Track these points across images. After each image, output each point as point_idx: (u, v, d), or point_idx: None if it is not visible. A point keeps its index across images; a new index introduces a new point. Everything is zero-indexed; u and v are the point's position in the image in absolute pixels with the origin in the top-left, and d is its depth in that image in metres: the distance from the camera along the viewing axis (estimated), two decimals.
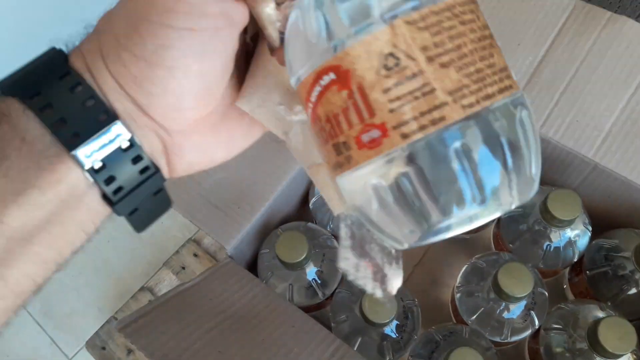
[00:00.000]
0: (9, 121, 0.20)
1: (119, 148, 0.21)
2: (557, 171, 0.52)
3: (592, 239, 0.51)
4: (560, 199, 0.46)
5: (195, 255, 0.72)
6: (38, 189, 0.20)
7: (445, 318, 0.53)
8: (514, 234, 0.51)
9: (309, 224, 0.53)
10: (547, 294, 0.48)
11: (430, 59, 0.18)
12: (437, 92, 0.18)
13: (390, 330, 0.47)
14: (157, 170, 0.23)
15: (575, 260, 0.50)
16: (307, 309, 0.51)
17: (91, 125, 0.20)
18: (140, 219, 0.24)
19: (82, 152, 0.20)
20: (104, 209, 0.22)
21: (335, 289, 0.50)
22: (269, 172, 0.48)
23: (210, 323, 0.38)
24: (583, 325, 0.45)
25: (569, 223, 0.46)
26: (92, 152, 0.20)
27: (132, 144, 0.21)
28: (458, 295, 0.49)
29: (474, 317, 0.48)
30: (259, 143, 0.50)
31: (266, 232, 0.51)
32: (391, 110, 0.18)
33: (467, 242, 0.59)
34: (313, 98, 0.20)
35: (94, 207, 0.22)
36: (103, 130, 0.20)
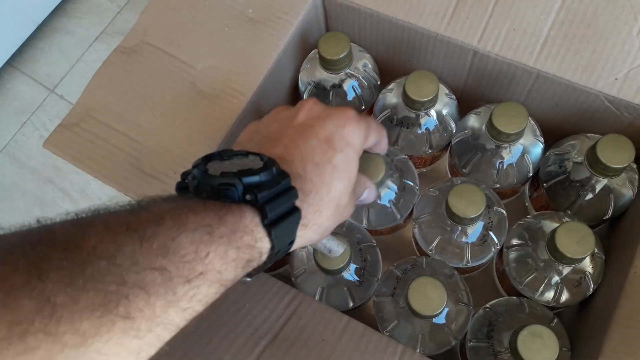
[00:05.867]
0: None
1: None
2: (501, 87, 0.50)
3: (546, 151, 0.49)
4: (505, 112, 0.44)
5: None
6: None
7: (411, 255, 0.52)
8: (465, 157, 0.49)
9: None
10: (505, 212, 0.47)
11: None
12: None
13: (350, 275, 0.45)
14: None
15: (531, 174, 0.49)
16: (266, 270, 0.50)
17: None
18: None
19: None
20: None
21: None
22: (203, 130, 0.46)
23: None
24: (543, 237, 0.44)
25: (517, 136, 0.45)
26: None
27: None
28: (416, 227, 0.48)
29: (433, 246, 0.46)
30: (183, 101, 0.47)
31: None
32: None
33: (423, 176, 0.57)
34: None
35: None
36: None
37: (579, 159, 0.46)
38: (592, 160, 0.43)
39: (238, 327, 0.35)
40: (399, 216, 0.48)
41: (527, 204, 0.54)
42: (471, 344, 0.44)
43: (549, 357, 0.38)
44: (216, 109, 0.46)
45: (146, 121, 0.46)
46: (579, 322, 0.47)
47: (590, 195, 0.46)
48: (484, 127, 0.47)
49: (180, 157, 0.45)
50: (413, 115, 0.49)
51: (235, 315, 0.36)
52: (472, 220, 0.43)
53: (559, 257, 0.41)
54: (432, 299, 0.40)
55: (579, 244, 0.40)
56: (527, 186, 0.54)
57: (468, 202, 0.42)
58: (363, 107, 0.53)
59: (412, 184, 0.49)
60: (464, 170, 0.50)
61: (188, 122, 0.46)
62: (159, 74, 0.48)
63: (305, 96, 0.53)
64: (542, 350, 0.38)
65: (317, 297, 0.45)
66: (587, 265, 0.44)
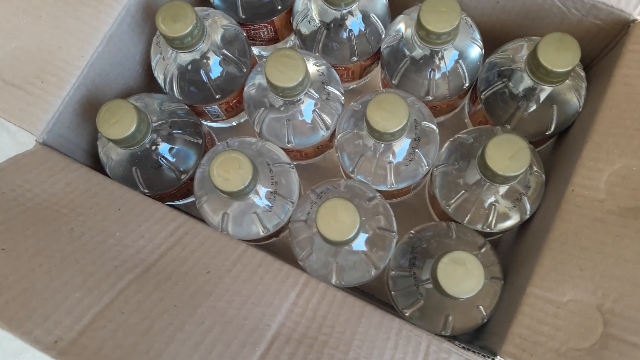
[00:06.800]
0: None
1: None
2: None
3: (486, 59, 0.43)
4: (434, 8, 0.38)
5: None
6: None
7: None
8: (394, 67, 0.43)
9: (155, 94, 0.44)
10: (436, 128, 0.41)
11: None
12: None
13: (260, 199, 0.40)
14: None
15: (467, 85, 0.43)
16: (168, 198, 0.44)
17: None
18: None
19: None
20: None
21: (196, 165, 0.43)
22: (74, 30, 0.38)
23: None
24: (475, 155, 0.39)
25: (449, 36, 0.38)
26: None
27: None
28: (338, 147, 0.42)
29: (355, 167, 0.41)
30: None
31: (95, 109, 0.41)
32: None
33: (355, 92, 0.51)
34: None
35: None
36: None
37: (520, 65, 0.40)
38: (533, 64, 0.37)
39: (100, 259, 0.29)
40: (323, 130, 0.42)
41: (466, 120, 0.49)
42: (393, 272, 0.39)
43: (472, 286, 0.34)
44: (91, 3, 0.38)
45: (4, 19, 0.38)
46: (516, 249, 0.43)
47: (532, 107, 0.40)
48: (412, 29, 0.40)
49: (49, 63, 0.38)
50: (337, 15, 0.42)
51: (98, 246, 0.30)
52: (394, 136, 0.37)
53: (489, 175, 0.36)
54: (343, 223, 0.35)
55: (511, 160, 0.35)
56: (466, 100, 0.48)
57: (389, 114, 0.36)
58: (280, 7, 0.46)
59: (337, 92, 0.42)
60: (393, 82, 0.44)
61: (57, 20, 0.38)
62: None
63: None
64: (465, 279, 0.34)
65: (218, 225, 0.40)
66: (523, 185, 0.39)
